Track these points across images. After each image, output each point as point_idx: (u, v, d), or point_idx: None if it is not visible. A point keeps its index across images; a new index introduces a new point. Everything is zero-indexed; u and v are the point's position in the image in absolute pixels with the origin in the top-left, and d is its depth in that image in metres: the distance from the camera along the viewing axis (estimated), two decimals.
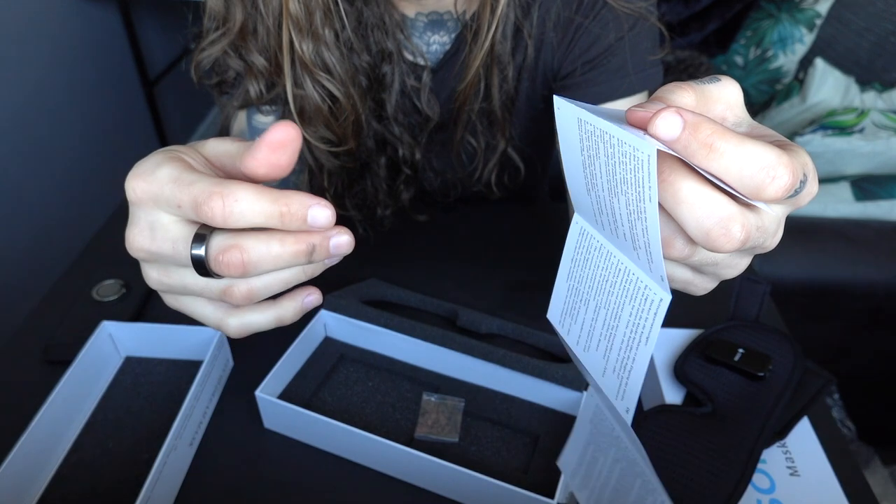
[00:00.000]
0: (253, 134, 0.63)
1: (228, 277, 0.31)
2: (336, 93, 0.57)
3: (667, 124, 0.23)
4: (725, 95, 0.28)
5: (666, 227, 0.26)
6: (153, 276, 0.34)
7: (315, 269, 0.34)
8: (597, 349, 0.30)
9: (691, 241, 0.26)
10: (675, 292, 0.57)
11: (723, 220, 0.24)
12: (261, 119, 0.62)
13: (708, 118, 0.23)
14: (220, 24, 0.57)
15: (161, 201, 0.30)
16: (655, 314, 0.26)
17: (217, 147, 0.34)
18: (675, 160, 0.24)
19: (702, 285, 0.30)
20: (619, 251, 0.28)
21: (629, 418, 0.28)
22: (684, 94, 0.27)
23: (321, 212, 0.30)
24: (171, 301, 0.36)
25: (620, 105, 0.59)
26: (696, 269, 0.29)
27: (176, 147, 0.33)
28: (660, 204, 0.25)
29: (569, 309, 0.32)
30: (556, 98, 0.26)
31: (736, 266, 0.28)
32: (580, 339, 0.31)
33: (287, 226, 0.30)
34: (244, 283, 0.32)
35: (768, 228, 0.26)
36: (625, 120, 0.26)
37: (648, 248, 0.25)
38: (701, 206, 0.24)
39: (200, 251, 0.30)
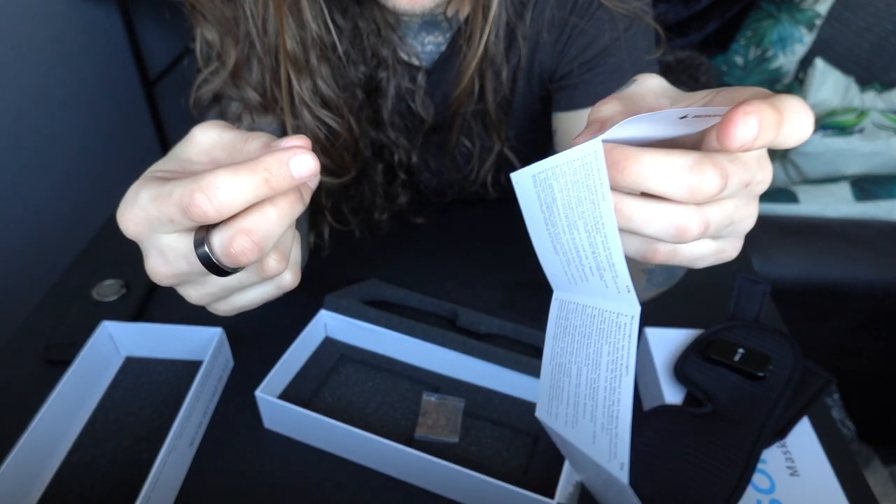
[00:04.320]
0: None
1: (248, 264, 0.29)
2: (333, 124, 0.58)
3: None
4: (649, 88, 0.29)
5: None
6: (192, 294, 0.33)
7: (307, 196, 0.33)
8: (584, 416, 0.29)
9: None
10: (673, 294, 0.57)
11: (692, 168, 0.24)
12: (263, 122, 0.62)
13: (618, 147, 0.25)
14: (214, 58, 0.57)
15: (154, 224, 0.29)
16: (629, 335, 0.26)
17: (205, 138, 0.33)
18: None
19: (731, 248, 0.30)
20: (592, 295, 0.28)
21: (625, 475, 0.27)
22: (609, 105, 0.29)
23: (303, 161, 0.29)
24: (223, 307, 0.35)
25: None
26: (716, 237, 0.29)
27: (151, 167, 0.32)
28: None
29: (554, 392, 0.31)
30: (512, 175, 0.28)
31: (749, 215, 0.28)
32: (567, 416, 0.30)
33: (277, 190, 0.29)
34: (270, 254, 0.31)
35: (747, 161, 0.26)
36: None
37: (611, 260, 0.26)
38: (665, 170, 0.24)
39: (206, 252, 0.29)
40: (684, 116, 0.25)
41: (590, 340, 0.28)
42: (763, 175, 0.27)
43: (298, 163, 0.29)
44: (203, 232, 0.29)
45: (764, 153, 0.27)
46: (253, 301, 0.35)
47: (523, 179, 0.27)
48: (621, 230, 0.26)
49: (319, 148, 0.59)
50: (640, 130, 0.26)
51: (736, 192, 0.26)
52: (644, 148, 0.25)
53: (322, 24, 0.54)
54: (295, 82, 0.54)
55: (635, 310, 0.26)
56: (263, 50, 0.54)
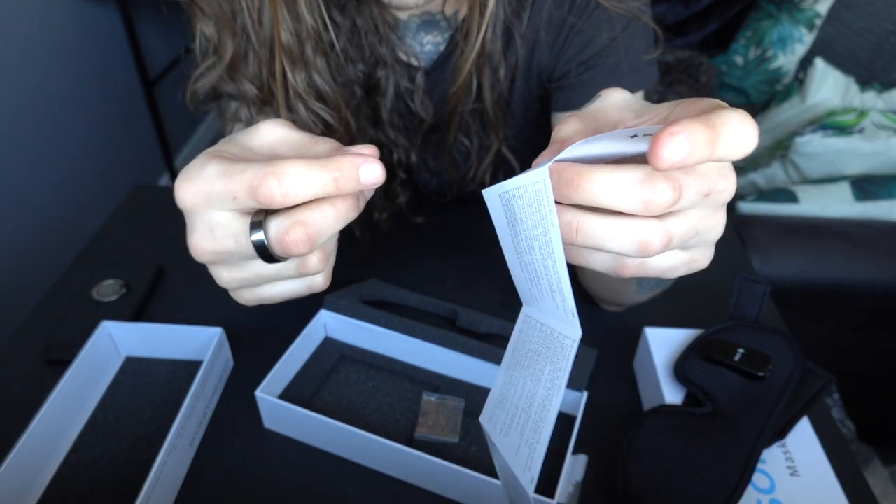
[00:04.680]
0: None
1: (296, 256, 0.30)
2: (328, 118, 0.58)
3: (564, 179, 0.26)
4: (612, 102, 0.30)
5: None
6: (224, 275, 0.33)
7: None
8: (515, 428, 0.30)
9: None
10: (673, 294, 0.57)
11: (643, 181, 0.25)
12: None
13: (572, 165, 0.26)
14: (211, 52, 0.58)
15: (213, 199, 0.30)
16: (568, 357, 0.27)
17: (271, 133, 0.34)
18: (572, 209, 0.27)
19: (702, 258, 0.30)
20: (547, 314, 0.29)
21: (532, 488, 0.27)
22: (569, 124, 0.30)
23: (372, 169, 0.30)
24: (248, 295, 0.35)
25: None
26: (684, 247, 0.29)
27: (215, 147, 0.33)
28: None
29: (500, 401, 0.32)
30: (483, 192, 0.29)
31: (715, 225, 0.29)
32: (503, 425, 0.31)
33: (342, 190, 0.30)
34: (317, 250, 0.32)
35: (705, 171, 0.26)
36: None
37: (559, 284, 0.26)
38: (617, 185, 0.25)
39: (261, 236, 0.30)
40: (635, 135, 0.26)
41: (539, 357, 0.29)
42: (725, 184, 0.27)
43: (368, 170, 0.30)
44: (261, 216, 0.30)
45: (724, 164, 0.27)
46: (279, 294, 0.35)
47: (492, 197, 0.28)
48: (587, 247, 0.27)
49: None
50: (595, 150, 0.26)
51: (696, 203, 0.26)
52: (597, 165, 0.25)
53: (318, 18, 0.54)
54: (290, 74, 0.55)
55: (577, 335, 0.27)
56: (259, 42, 0.55)
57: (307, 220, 0.29)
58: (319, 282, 0.36)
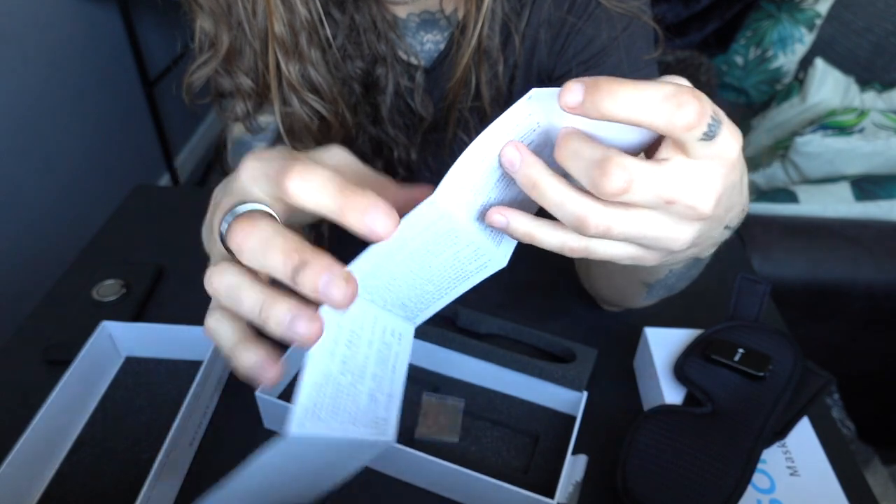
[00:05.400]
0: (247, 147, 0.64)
1: (232, 245, 0.30)
2: (323, 112, 0.58)
3: (569, 93, 0.26)
4: None
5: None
6: (214, 222, 0.34)
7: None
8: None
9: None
10: (675, 295, 0.57)
11: (599, 161, 0.26)
12: (262, 120, 0.62)
13: (604, 77, 0.26)
14: (208, 47, 0.58)
15: (259, 175, 0.31)
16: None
17: (342, 158, 0.35)
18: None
19: (648, 258, 0.31)
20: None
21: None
22: None
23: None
24: (209, 274, 0.34)
25: None
26: (635, 243, 0.30)
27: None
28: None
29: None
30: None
31: (676, 238, 0.29)
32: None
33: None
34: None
35: (673, 178, 0.27)
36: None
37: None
38: (577, 154, 0.27)
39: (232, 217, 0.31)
40: None
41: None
42: (696, 199, 0.27)
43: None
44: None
45: (705, 181, 0.27)
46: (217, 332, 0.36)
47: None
48: (542, 204, 0.29)
49: (312, 138, 0.59)
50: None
51: (652, 205, 0.27)
52: (581, 131, 0.28)
53: (314, 11, 0.54)
54: (283, 65, 0.55)
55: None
56: (253, 33, 0.55)
57: (250, 230, 0.29)
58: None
